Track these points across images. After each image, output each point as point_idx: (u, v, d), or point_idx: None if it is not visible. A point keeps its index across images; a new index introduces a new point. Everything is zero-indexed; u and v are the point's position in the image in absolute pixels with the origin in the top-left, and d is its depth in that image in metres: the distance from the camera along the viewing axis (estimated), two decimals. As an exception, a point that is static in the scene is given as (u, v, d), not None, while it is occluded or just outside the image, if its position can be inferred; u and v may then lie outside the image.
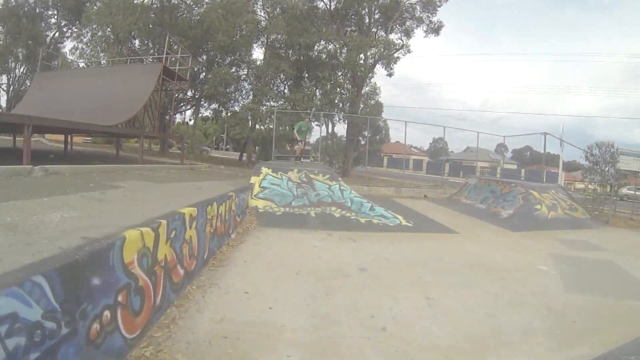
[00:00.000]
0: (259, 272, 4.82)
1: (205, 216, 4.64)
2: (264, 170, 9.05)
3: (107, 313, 2.43)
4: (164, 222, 3.33)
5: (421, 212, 11.18)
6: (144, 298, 2.93)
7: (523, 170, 29.32)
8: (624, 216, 13.70)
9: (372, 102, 22.31)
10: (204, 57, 23.57)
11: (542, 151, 19.12)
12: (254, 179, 8.81)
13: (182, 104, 24.28)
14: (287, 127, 19.82)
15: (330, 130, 22.91)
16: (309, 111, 17.46)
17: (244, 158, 25.20)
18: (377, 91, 22.72)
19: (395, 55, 20.69)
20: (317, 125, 19.48)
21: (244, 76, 23.13)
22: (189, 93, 24.27)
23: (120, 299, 2.58)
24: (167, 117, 22.17)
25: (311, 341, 3.22)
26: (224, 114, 24.58)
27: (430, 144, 62.46)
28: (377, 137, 24.46)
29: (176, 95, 20.34)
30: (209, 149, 40.05)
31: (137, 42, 22.96)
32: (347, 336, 3.39)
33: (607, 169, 15.53)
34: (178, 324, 3.15)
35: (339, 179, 9.85)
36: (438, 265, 6.05)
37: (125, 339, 2.61)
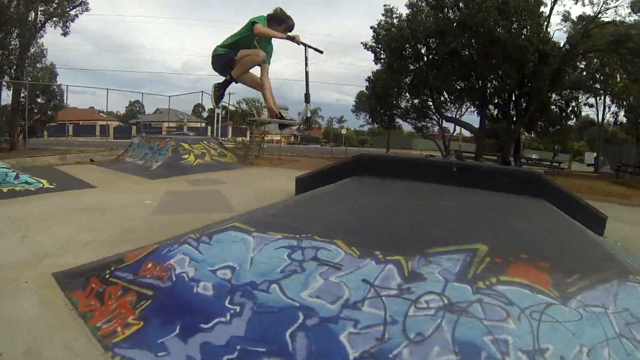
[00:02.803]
0: None
1: None
2: None
3: None
4: None
5: (74, 174, 11.13)
6: None
7: (209, 127, 31.25)
8: (274, 158, 16.57)
9: (40, 65, 19.72)
10: None
11: (213, 107, 20.85)
12: None
13: None
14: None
15: None
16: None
17: None
18: (45, 52, 20.55)
19: (72, 13, 19.30)
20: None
21: None
22: None
23: None
24: None
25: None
26: None
27: (126, 107, 60.99)
28: (52, 103, 21.02)
29: None
30: None
31: None
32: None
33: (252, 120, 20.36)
34: None
35: None
36: (58, 214, 6.49)
37: None
